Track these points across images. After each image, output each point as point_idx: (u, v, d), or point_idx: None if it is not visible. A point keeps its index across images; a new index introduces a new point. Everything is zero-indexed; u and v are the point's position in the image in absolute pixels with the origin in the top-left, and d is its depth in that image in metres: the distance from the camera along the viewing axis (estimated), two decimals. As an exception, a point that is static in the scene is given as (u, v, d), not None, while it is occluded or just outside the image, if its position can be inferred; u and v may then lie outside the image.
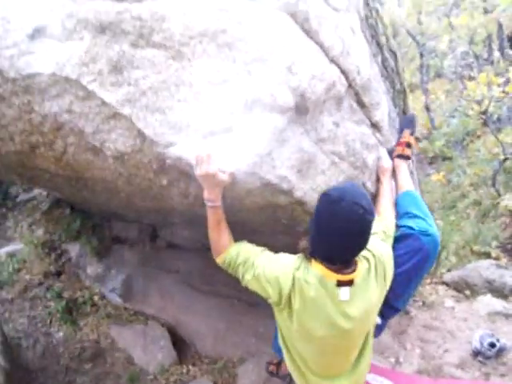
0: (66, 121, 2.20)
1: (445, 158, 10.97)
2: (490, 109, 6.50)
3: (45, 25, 2.10)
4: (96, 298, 4.72)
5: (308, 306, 2.15)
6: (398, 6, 12.26)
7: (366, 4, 2.98)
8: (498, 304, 5.23)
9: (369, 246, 2.13)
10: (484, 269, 6.05)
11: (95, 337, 4.37)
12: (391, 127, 3.14)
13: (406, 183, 2.99)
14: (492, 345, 4.26)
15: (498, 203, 6.38)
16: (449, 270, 6.45)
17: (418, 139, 12.15)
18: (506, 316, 5.07)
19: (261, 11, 2.18)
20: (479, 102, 6.44)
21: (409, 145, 3.12)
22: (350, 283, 2.11)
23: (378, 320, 2.70)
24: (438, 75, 14.67)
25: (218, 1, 2.13)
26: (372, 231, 2.12)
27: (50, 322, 4.33)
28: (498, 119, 8.63)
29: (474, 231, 7.31)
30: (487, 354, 4.26)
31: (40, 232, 5.20)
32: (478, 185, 8.55)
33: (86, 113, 2.16)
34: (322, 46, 2.35)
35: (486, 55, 9.61)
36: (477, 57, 10.16)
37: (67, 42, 2.10)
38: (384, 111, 2.87)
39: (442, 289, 5.87)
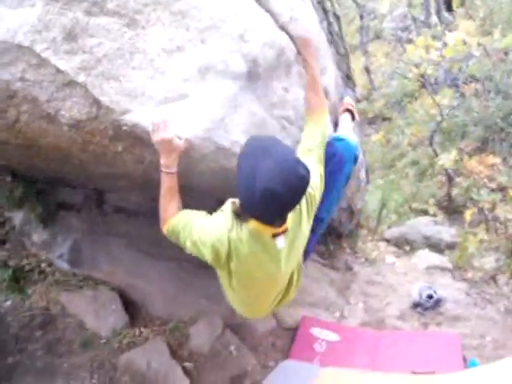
0: (18, 89, 2.19)
1: (384, 119, 11.26)
2: (428, 71, 6.70)
3: (-6, -10, 2.08)
4: (43, 265, 4.61)
5: (244, 262, 2.23)
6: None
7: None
8: (435, 258, 5.55)
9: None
10: (422, 225, 6.39)
11: (44, 304, 4.32)
12: (337, 91, 3.26)
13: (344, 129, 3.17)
14: (430, 296, 4.53)
15: (435, 162, 6.65)
16: (389, 227, 6.75)
17: (357, 100, 12.39)
18: (442, 269, 5.38)
19: (213, -21, 2.23)
20: (417, 65, 6.63)
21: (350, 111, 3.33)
22: (284, 232, 2.19)
23: None
24: (378, 37, 14.86)
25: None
26: (308, 146, 2.40)
27: (-3, 291, 4.29)
28: (436, 81, 8.88)
29: (412, 189, 7.65)
30: (425, 306, 4.53)
31: None
32: (416, 145, 8.84)
33: (40, 81, 2.16)
34: (272, 14, 2.43)
35: (423, 18, 9.82)
36: (415, 19, 10.37)
37: (18, 8, 2.09)
38: (331, 76, 2.98)
39: (383, 245, 6.15)
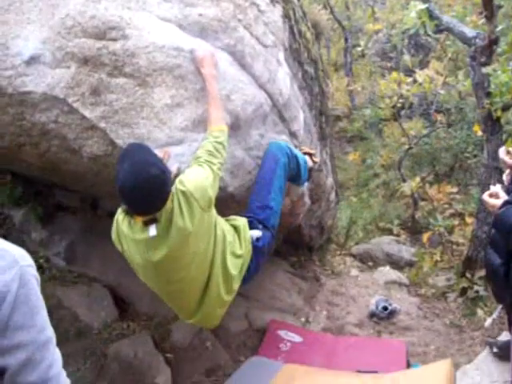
0: (52, 128, 2.79)
1: (362, 138, 11.65)
2: (398, 104, 7.28)
3: (39, 54, 2.67)
4: (41, 261, 4.80)
5: (128, 247, 2.57)
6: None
7: (291, 32, 3.67)
8: (394, 274, 6.02)
9: (179, 181, 2.50)
10: (385, 244, 6.82)
11: (42, 296, 4.71)
12: (306, 131, 3.88)
13: None
14: (385, 308, 5.02)
15: (402, 186, 7.16)
16: (357, 244, 7.16)
17: (339, 118, 12.81)
18: (399, 284, 5.87)
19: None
20: (390, 97, 7.22)
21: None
22: (154, 221, 2.39)
23: (258, 232, 2.98)
24: (363, 55, 15.27)
25: (175, 42, 2.76)
26: (196, 155, 2.62)
27: (-3, 283, 4.59)
28: (411, 107, 9.37)
29: (380, 209, 8.09)
30: (380, 316, 5.02)
31: None
32: (389, 167, 9.32)
33: (70, 124, 2.76)
34: (253, 76, 3.04)
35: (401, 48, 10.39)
36: (395, 47, 10.92)
37: (57, 69, 2.68)
38: (301, 122, 3.60)
39: (349, 260, 6.57)
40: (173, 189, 2.45)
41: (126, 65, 2.70)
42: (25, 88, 2.70)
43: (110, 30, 2.68)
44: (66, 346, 4.06)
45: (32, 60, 2.68)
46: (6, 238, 3.61)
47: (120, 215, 2.59)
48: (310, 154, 3.73)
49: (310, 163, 3.67)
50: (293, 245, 5.93)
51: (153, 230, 2.39)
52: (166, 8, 2.82)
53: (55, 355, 1.43)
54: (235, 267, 2.82)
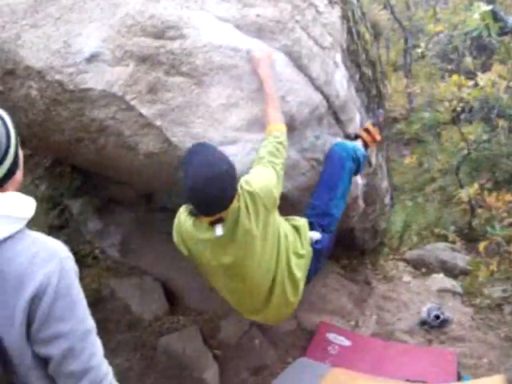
0: (109, 124, 2.84)
1: (420, 141, 11.39)
2: (458, 108, 7.10)
3: (99, 52, 2.72)
4: (97, 251, 4.96)
5: (195, 247, 2.62)
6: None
7: (349, 33, 3.64)
8: (448, 282, 5.80)
9: (244, 181, 2.53)
10: (440, 250, 6.63)
11: (96, 286, 4.63)
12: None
13: None
14: (437, 316, 4.86)
15: (459, 192, 6.98)
16: (410, 249, 6.97)
17: (396, 120, 12.58)
18: (453, 293, 5.67)
19: (265, 51, 2.85)
20: (450, 100, 7.05)
21: (367, 130, 3.68)
22: (220, 220, 2.42)
23: (318, 235, 3.00)
24: (423, 56, 14.95)
25: (232, 41, 2.78)
26: (259, 155, 2.64)
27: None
28: (470, 111, 9.13)
29: (436, 215, 7.91)
30: (432, 324, 4.85)
31: (43, 187, 5.34)
32: (447, 171, 9.11)
33: (126, 120, 2.81)
34: (310, 78, 3.02)
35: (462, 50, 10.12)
36: (457, 49, 10.66)
37: (116, 67, 2.73)
38: (356, 124, 3.57)
39: (401, 265, 6.40)
40: (238, 188, 2.47)
41: (183, 64, 2.73)
42: (85, 85, 2.76)
43: (169, 29, 2.71)
44: (117, 337, 4.20)
45: (92, 58, 2.74)
46: (63, 228, 3.73)
47: (182, 215, 2.64)
48: (369, 133, 3.66)
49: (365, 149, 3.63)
50: (345, 247, 5.87)
51: (219, 230, 2.42)
52: (225, 8, 2.83)
53: (96, 345, 1.49)
54: (299, 268, 2.84)
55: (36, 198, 4.27)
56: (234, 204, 2.44)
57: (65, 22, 2.81)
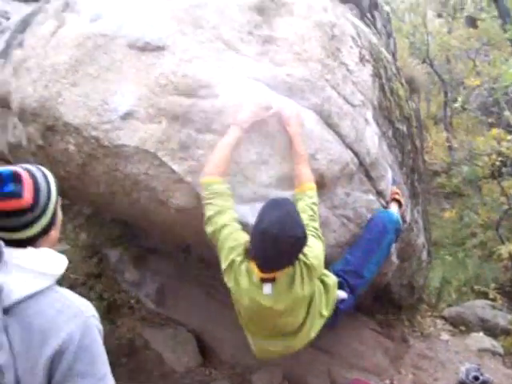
0: (142, 179, 2.91)
1: (460, 195, 11.26)
2: (497, 162, 7.02)
3: (133, 110, 2.83)
4: (132, 301, 5.08)
5: (238, 287, 2.60)
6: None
7: (381, 90, 3.67)
8: (488, 342, 5.63)
9: (303, 254, 2.53)
10: (480, 308, 6.42)
11: (131, 336, 4.74)
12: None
13: None
14: (476, 378, 4.69)
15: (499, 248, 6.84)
16: (449, 305, 6.79)
17: (437, 173, 12.45)
18: (493, 353, 5.50)
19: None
20: (489, 155, 6.98)
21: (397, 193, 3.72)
22: (271, 280, 2.49)
23: (344, 294, 3.05)
24: (463, 109, 14.87)
25: (262, 99, 2.83)
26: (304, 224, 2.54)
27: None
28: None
29: (476, 271, 7.72)
30: None
31: (84, 235, 5.61)
32: (486, 227, 8.94)
33: (159, 176, 2.87)
34: (340, 136, 3.04)
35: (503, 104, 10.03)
36: (498, 103, 10.58)
37: (149, 124, 2.82)
38: (388, 181, 3.55)
39: (440, 322, 6.25)
40: None
41: (215, 122, 2.80)
42: (119, 141, 2.86)
43: (201, 88, 2.80)
44: (150, 387, 4.21)
45: (127, 115, 2.85)
46: (100, 276, 3.78)
47: (239, 256, 2.61)
48: (400, 202, 3.70)
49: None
50: (381, 302, 5.77)
51: (268, 289, 2.51)
52: (256, 67, 2.91)
53: None
54: (315, 328, 2.89)
55: (76, 245, 4.38)
56: (289, 269, 2.51)
57: (102, 81, 2.94)
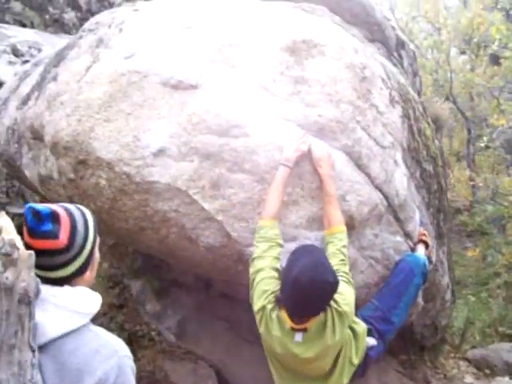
0: (172, 216, 2.93)
1: (483, 233, 11.15)
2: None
3: (166, 147, 2.86)
4: (153, 333, 5.00)
5: (269, 334, 2.58)
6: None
7: (410, 131, 3.68)
8: None
9: (334, 301, 2.51)
10: (505, 351, 6.30)
11: (151, 368, 4.66)
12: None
13: None
14: None
15: (525, 289, 6.74)
16: (473, 347, 6.69)
17: (459, 211, 12.35)
18: None
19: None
20: (513, 196, 6.95)
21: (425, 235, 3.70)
22: (303, 330, 2.48)
23: (374, 341, 3.00)
24: (487, 147, 14.82)
25: (293, 141, 2.86)
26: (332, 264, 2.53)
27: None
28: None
29: (501, 312, 7.61)
30: None
31: (106, 266, 5.57)
32: (511, 267, 8.82)
33: (189, 214, 2.89)
34: (369, 177, 3.05)
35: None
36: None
37: (181, 162, 2.85)
38: (416, 222, 3.54)
39: (463, 365, 6.14)
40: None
41: (246, 161, 2.83)
42: (151, 178, 2.89)
43: (233, 128, 2.84)
44: (168, 422, 4.13)
45: (159, 152, 2.88)
46: (122, 307, 3.76)
47: (270, 304, 2.60)
48: (427, 244, 3.67)
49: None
50: (403, 342, 5.70)
51: (299, 337, 2.49)
52: (287, 108, 2.94)
53: None
54: (347, 375, 2.81)
55: (98, 275, 4.37)
56: (321, 316, 2.49)
57: (135, 117, 2.98)
